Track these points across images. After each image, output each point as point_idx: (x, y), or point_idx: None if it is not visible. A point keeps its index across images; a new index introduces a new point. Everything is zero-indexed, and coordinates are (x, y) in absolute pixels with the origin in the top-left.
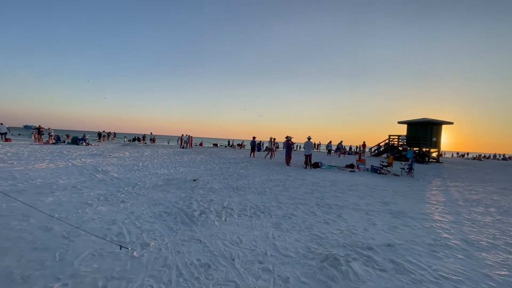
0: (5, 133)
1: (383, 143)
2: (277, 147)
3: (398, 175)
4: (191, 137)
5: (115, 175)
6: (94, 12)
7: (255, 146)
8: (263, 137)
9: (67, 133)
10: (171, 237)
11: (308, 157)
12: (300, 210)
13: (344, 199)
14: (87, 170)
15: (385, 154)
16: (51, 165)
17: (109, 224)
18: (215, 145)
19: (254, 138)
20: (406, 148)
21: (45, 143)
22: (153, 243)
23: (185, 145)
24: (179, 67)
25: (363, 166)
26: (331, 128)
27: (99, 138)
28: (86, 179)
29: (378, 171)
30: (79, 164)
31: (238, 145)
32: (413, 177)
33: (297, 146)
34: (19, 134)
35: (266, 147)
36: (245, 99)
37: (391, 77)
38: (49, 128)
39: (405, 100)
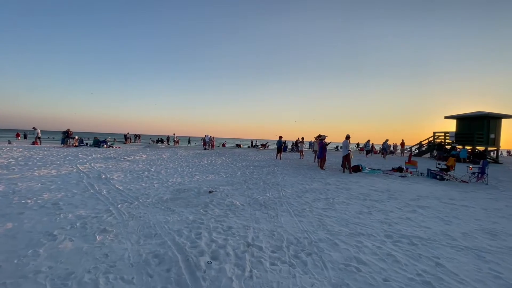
0: (39, 137)
1: (426, 142)
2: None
3: (467, 182)
4: (213, 137)
5: (117, 186)
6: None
7: (282, 146)
8: (271, 135)
9: (108, 137)
10: None
11: (345, 158)
12: (367, 249)
13: (423, 225)
14: (88, 179)
15: (429, 153)
16: (53, 171)
17: (60, 282)
18: (238, 145)
19: (280, 137)
20: (454, 147)
21: (67, 146)
22: None
23: (207, 146)
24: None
25: (414, 170)
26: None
27: (125, 140)
28: (78, 191)
29: (438, 177)
30: (84, 170)
31: (262, 145)
32: (487, 184)
33: (310, 144)
34: (53, 138)
35: (295, 146)
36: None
37: (425, 68)
38: (68, 130)
39: (442, 92)
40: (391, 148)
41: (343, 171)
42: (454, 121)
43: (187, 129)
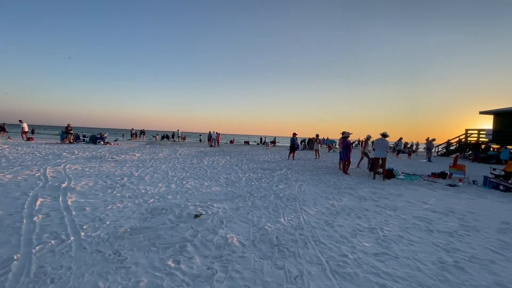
0: (26, 132)
1: (455, 140)
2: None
3: None
4: (219, 134)
5: (70, 201)
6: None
7: (295, 145)
8: (281, 133)
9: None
10: None
11: (378, 161)
12: None
13: None
14: (41, 189)
15: (458, 153)
16: (8, 176)
17: None
18: (247, 142)
19: (294, 134)
20: (490, 146)
21: (62, 143)
22: None
23: (212, 143)
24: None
25: (462, 176)
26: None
27: (131, 136)
28: (4, 212)
29: (501, 187)
30: (51, 175)
31: (271, 142)
32: None
33: (326, 142)
34: (58, 134)
35: (308, 144)
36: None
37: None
38: (68, 125)
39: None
40: (413, 147)
41: (374, 177)
42: (490, 117)
43: (203, 126)
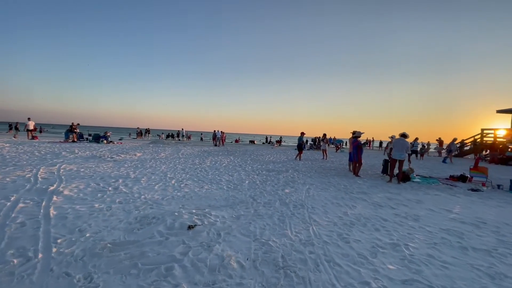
0: (31, 130)
1: (469, 140)
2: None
3: None
4: (224, 133)
5: (53, 208)
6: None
7: (303, 145)
8: (288, 132)
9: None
10: None
11: (395, 163)
12: None
13: None
14: (26, 193)
15: (472, 154)
16: None
17: None
18: (252, 141)
19: (302, 134)
20: (508, 147)
21: (65, 141)
22: None
23: (217, 142)
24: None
25: (485, 180)
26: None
27: (136, 135)
28: None
29: None
30: (43, 176)
31: (277, 141)
32: None
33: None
34: (63, 132)
35: (315, 144)
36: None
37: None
38: (72, 123)
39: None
40: (425, 147)
41: (390, 180)
42: (508, 116)
43: (210, 125)
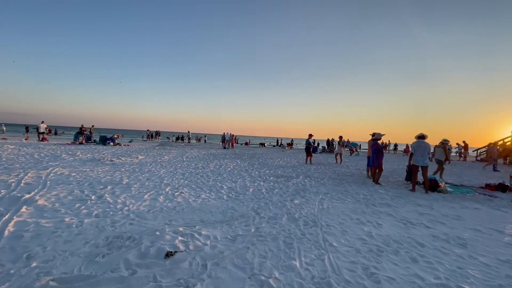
0: (42, 132)
1: (500, 143)
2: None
3: None
4: (233, 135)
5: (11, 224)
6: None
7: (311, 147)
8: (300, 135)
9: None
10: None
11: (418, 170)
12: None
13: None
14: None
15: (502, 159)
16: None
17: None
18: (262, 144)
19: (310, 136)
20: None
21: (71, 144)
22: None
23: (226, 144)
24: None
25: None
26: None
27: (147, 137)
28: None
29: None
30: (26, 181)
31: (288, 144)
32: None
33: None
34: (74, 133)
35: (328, 147)
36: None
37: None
38: (82, 125)
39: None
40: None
41: (413, 189)
42: None
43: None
